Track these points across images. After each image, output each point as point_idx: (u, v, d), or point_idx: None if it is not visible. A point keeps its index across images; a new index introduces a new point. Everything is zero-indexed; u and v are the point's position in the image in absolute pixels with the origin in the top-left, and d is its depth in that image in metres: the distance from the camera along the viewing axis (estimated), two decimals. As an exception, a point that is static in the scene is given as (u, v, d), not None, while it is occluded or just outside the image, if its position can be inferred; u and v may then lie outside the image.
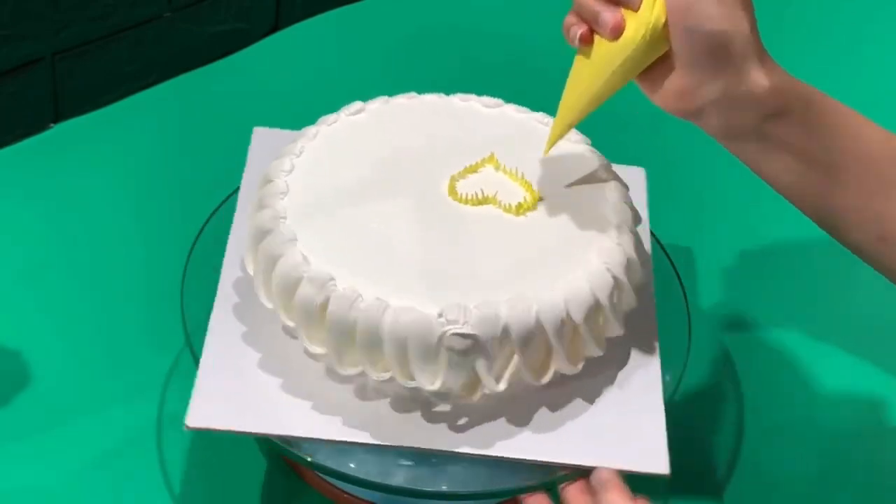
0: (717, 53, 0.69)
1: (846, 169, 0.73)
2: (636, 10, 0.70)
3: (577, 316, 0.74)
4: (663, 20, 0.69)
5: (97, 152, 1.04)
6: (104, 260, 0.95)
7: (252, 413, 0.74)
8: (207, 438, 0.84)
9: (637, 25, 0.70)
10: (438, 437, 0.74)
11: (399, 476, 0.75)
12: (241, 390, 0.75)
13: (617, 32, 0.71)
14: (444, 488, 0.75)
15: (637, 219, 0.80)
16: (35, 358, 0.87)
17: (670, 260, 0.88)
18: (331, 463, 0.75)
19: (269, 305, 0.76)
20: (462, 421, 0.75)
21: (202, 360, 0.77)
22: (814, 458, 0.89)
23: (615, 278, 0.75)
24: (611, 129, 0.90)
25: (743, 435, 0.89)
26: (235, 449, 0.84)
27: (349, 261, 0.74)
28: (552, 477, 0.75)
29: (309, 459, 0.75)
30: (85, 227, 0.97)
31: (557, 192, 0.81)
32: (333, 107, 0.86)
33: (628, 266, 0.76)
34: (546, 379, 0.75)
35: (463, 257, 0.76)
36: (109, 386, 0.86)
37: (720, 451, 0.88)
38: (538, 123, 0.86)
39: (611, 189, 0.81)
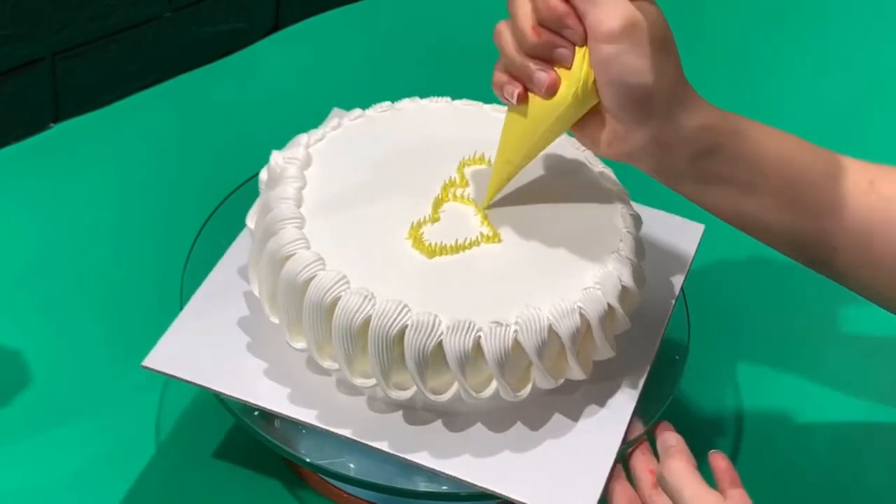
0: (642, 103, 0.70)
1: (784, 194, 0.74)
2: (569, 67, 0.71)
3: (564, 337, 0.74)
4: (593, 76, 0.70)
5: (97, 152, 1.04)
6: (104, 260, 0.95)
7: (211, 370, 0.77)
8: (208, 439, 0.84)
9: (569, 83, 0.71)
10: (388, 434, 0.75)
11: (397, 476, 0.75)
12: (209, 347, 0.78)
13: (552, 91, 0.72)
14: (444, 489, 0.75)
15: (641, 252, 0.80)
16: (35, 358, 0.88)
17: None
18: (330, 463, 0.75)
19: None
20: (426, 426, 0.76)
21: (185, 309, 0.80)
22: (814, 459, 0.89)
23: (608, 305, 0.75)
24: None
25: (742, 436, 0.89)
26: (236, 449, 0.84)
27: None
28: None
29: (308, 460, 0.75)
30: (85, 227, 0.97)
31: (565, 203, 0.81)
32: (333, 107, 0.86)
33: (622, 294, 0.76)
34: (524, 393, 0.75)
35: (465, 266, 0.76)
36: (109, 386, 0.86)
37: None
38: None
39: (617, 214, 0.80)
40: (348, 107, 0.86)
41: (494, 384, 0.73)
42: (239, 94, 1.11)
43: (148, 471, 0.82)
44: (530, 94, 0.73)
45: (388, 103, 0.86)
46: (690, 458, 0.74)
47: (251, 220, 0.80)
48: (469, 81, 1.02)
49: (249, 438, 0.82)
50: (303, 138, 0.82)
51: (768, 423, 0.90)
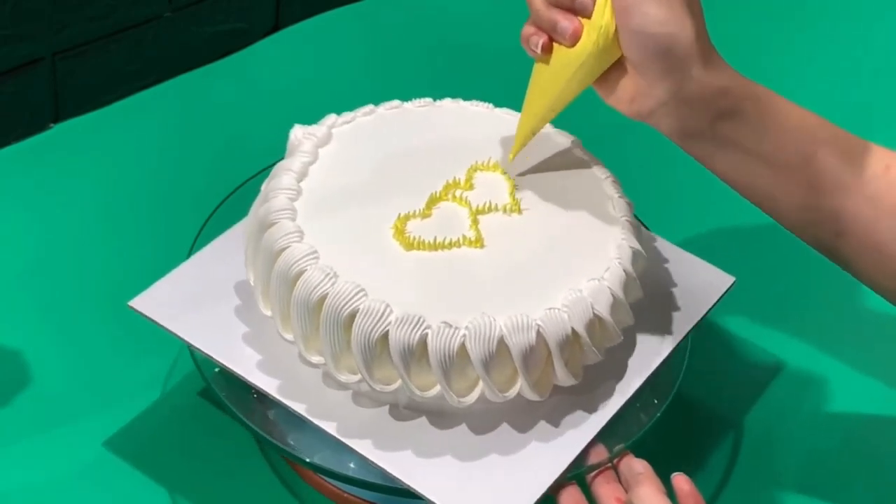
0: (664, 56, 0.71)
1: (799, 168, 0.74)
2: (590, 16, 0.73)
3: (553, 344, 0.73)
4: (615, 26, 0.72)
5: (97, 152, 1.04)
6: (103, 260, 0.95)
7: (192, 324, 0.78)
8: (208, 439, 0.84)
9: (591, 32, 0.73)
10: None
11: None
12: (199, 302, 0.79)
13: (576, 39, 0.74)
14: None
15: (630, 286, 0.78)
16: (35, 358, 0.87)
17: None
18: (329, 463, 0.75)
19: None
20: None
21: (186, 262, 0.82)
22: (813, 458, 0.89)
23: (596, 315, 0.75)
24: (612, 129, 0.90)
25: (742, 435, 0.89)
26: (236, 449, 0.84)
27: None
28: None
29: (308, 460, 0.75)
30: (84, 227, 0.97)
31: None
32: (333, 107, 0.86)
33: (592, 323, 0.75)
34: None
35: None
36: (109, 386, 0.86)
37: (719, 451, 0.88)
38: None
39: (613, 242, 0.78)
40: (348, 107, 0.86)
41: (438, 386, 0.73)
42: (239, 94, 1.11)
43: (148, 471, 0.82)
44: (555, 46, 0.75)
45: (428, 99, 0.87)
46: (659, 485, 0.73)
47: (265, 186, 0.81)
48: (469, 81, 1.02)
49: (251, 438, 0.82)
50: (330, 118, 0.84)
51: (767, 425, 0.90)
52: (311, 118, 0.84)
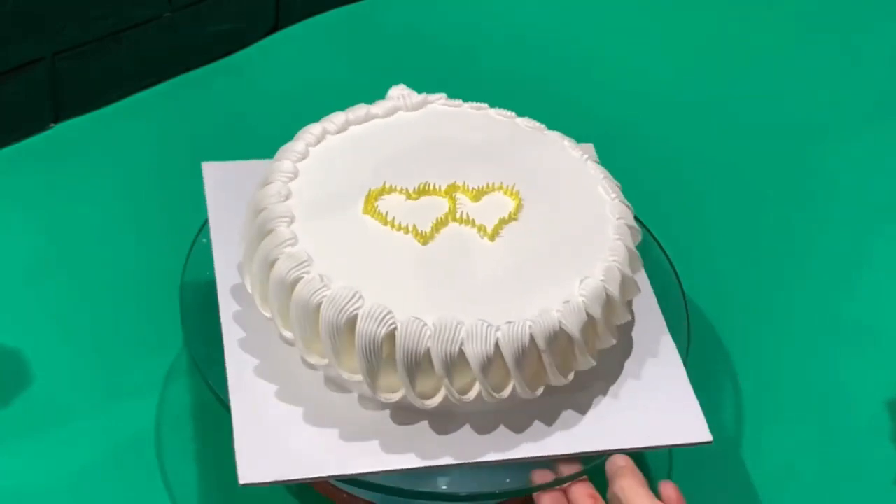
0: None
1: None
2: None
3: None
4: None
5: (97, 152, 1.04)
6: (103, 260, 0.95)
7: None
8: (207, 439, 0.84)
9: None
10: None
11: (399, 476, 0.75)
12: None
13: None
14: (443, 489, 0.75)
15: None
16: (35, 358, 0.88)
17: (668, 258, 0.88)
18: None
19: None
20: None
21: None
22: (813, 456, 0.89)
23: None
24: (607, 125, 0.90)
25: (742, 434, 0.89)
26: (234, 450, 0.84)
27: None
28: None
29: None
30: (84, 228, 0.97)
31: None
32: (333, 107, 0.86)
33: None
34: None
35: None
36: (109, 386, 0.87)
37: (719, 450, 0.88)
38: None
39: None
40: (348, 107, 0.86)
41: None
42: (239, 94, 1.12)
43: (148, 471, 0.82)
44: None
45: (459, 101, 0.87)
46: (641, 477, 0.73)
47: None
48: (470, 82, 1.03)
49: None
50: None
51: (767, 419, 0.90)
52: (311, 118, 0.85)
